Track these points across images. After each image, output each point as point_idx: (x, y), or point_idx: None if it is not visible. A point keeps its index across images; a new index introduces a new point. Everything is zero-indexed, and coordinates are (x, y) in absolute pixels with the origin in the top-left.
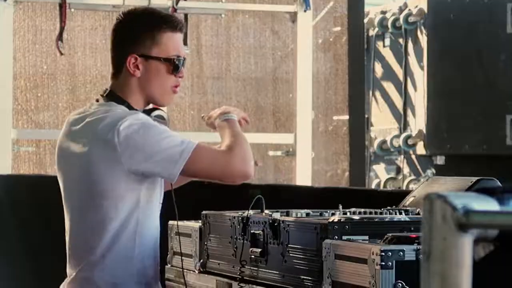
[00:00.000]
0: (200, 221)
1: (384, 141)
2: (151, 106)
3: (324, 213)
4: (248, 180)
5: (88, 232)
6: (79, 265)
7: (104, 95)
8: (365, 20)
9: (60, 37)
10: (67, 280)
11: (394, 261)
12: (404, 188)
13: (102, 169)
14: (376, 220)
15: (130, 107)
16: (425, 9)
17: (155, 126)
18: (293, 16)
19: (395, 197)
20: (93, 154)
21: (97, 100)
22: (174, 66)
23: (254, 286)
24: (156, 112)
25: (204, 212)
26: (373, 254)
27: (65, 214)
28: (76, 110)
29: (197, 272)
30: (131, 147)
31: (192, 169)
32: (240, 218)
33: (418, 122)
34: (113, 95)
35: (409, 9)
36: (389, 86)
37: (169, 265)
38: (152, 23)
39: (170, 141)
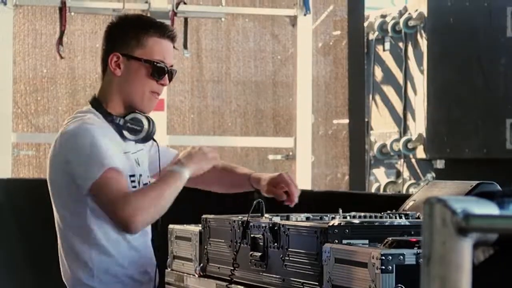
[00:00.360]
0: (200, 225)
1: (384, 145)
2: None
3: (324, 217)
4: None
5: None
6: None
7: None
8: (365, 24)
9: (60, 41)
10: None
11: (394, 265)
12: (404, 192)
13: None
14: (376, 224)
15: (106, 113)
16: (425, 13)
17: (85, 136)
18: (293, 20)
19: (395, 201)
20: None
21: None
22: (155, 70)
23: None
24: (131, 116)
25: (204, 216)
26: (373, 258)
27: None
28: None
29: (197, 276)
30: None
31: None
32: (240, 222)
33: (418, 126)
34: (94, 99)
35: (409, 13)
36: (389, 90)
37: (169, 269)
38: (141, 26)
39: (90, 157)
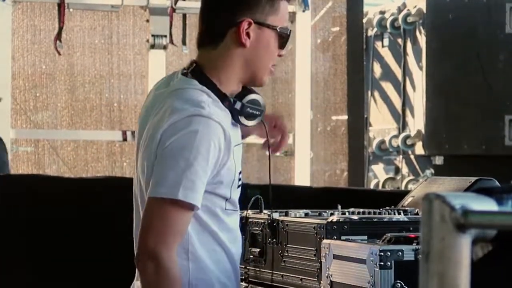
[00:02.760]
0: None
1: (382, 141)
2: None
3: (323, 213)
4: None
5: None
6: None
7: (189, 70)
8: (364, 20)
9: (58, 37)
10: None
11: (393, 261)
12: (402, 188)
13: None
14: (375, 220)
15: (222, 96)
16: (424, 9)
17: (191, 145)
18: (292, 16)
19: (393, 197)
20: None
21: (185, 73)
22: (284, 40)
23: (253, 286)
24: (252, 96)
25: None
26: (372, 254)
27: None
28: (162, 80)
29: None
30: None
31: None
32: (239, 218)
33: (416, 122)
34: (200, 74)
35: (408, 9)
36: (387, 86)
37: None
38: None
39: (180, 171)
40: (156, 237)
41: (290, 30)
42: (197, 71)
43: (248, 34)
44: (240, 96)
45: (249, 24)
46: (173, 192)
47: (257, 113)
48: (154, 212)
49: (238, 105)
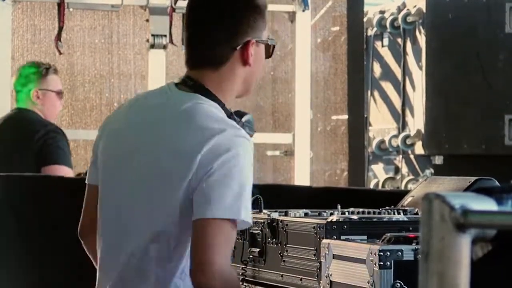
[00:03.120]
0: None
1: (382, 141)
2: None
3: (323, 213)
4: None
5: None
6: None
7: (189, 85)
8: (364, 20)
9: (59, 37)
10: None
11: (392, 261)
12: (402, 188)
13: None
14: (375, 220)
15: (229, 114)
16: (424, 9)
17: (249, 164)
18: (292, 16)
19: (393, 197)
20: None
21: (177, 85)
22: (272, 49)
23: (253, 286)
24: (247, 117)
25: None
26: (371, 254)
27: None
28: (144, 93)
29: None
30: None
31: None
32: None
33: (416, 121)
34: (205, 90)
35: (408, 9)
36: (387, 86)
37: None
38: (259, 3)
39: (237, 192)
40: (222, 255)
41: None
42: (201, 88)
43: (251, 53)
44: (239, 116)
45: (252, 43)
46: (235, 213)
47: (252, 133)
48: (216, 231)
49: (240, 124)
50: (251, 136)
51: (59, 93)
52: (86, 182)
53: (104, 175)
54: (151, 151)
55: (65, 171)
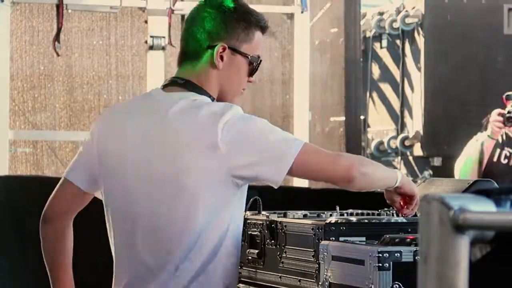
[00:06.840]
0: None
1: (381, 142)
2: None
3: (322, 214)
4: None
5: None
6: None
7: (182, 83)
8: (362, 22)
9: (57, 38)
10: None
11: (391, 263)
12: None
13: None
14: (374, 221)
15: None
16: (422, 11)
17: (256, 118)
18: (291, 17)
19: None
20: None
21: (164, 87)
22: (254, 67)
23: (252, 287)
24: None
25: None
26: (370, 255)
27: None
28: (120, 103)
29: None
30: (235, 146)
31: (297, 170)
32: None
33: (415, 123)
34: (192, 85)
35: (406, 11)
36: (386, 87)
37: None
38: (251, 17)
39: (276, 137)
40: (345, 160)
41: (261, 60)
42: (192, 85)
43: (221, 58)
44: None
45: (224, 48)
46: (300, 141)
47: None
48: (311, 156)
49: None
50: None
51: None
52: (66, 177)
53: (116, 188)
54: (167, 152)
55: None
